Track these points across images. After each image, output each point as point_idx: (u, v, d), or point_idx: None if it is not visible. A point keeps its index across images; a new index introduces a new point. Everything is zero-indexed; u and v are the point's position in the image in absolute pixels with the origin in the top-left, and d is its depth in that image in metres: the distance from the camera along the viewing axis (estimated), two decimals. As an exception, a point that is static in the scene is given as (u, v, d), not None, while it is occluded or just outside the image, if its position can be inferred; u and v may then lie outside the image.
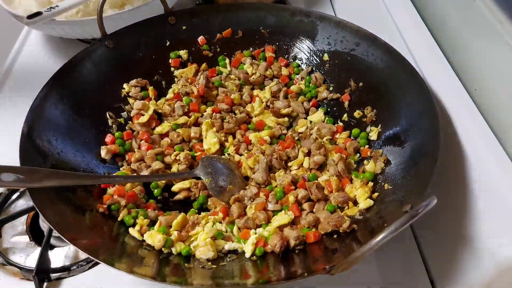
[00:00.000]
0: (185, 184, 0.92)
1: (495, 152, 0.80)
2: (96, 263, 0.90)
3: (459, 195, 0.84)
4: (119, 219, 0.84)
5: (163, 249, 0.79)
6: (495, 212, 0.77)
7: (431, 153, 0.79)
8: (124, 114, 1.06)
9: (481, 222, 0.79)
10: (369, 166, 0.90)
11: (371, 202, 0.84)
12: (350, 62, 1.05)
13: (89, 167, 0.92)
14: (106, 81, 1.05)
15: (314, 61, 1.11)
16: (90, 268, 0.89)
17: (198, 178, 0.94)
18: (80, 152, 0.93)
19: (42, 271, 0.86)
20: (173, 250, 0.80)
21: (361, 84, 1.03)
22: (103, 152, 0.95)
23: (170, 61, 1.14)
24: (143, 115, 1.05)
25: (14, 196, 1.01)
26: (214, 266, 0.77)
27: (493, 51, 0.89)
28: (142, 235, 0.81)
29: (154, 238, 0.79)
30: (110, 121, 1.03)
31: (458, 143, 0.86)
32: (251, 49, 1.16)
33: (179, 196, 0.93)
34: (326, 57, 1.09)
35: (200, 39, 1.15)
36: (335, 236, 0.80)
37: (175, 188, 0.93)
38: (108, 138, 0.99)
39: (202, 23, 1.15)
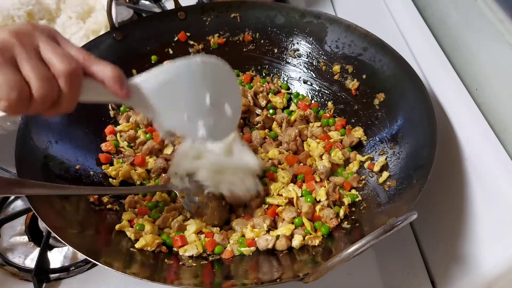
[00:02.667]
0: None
1: (496, 151, 0.80)
2: (95, 264, 0.89)
3: (460, 195, 0.84)
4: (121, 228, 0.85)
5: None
6: (496, 212, 0.77)
7: (424, 167, 0.79)
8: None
9: (482, 222, 0.79)
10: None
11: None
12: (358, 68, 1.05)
13: (86, 161, 0.94)
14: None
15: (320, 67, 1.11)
16: (89, 269, 0.89)
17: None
18: (78, 145, 0.94)
19: (41, 272, 0.86)
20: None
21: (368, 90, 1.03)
22: (102, 158, 0.97)
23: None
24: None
25: (13, 197, 1.00)
26: (194, 265, 0.78)
27: (494, 50, 0.88)
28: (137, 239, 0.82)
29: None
30: (112, 113, 1.04)
31: (459, 143, 0.85)
32: (265, 75, 1.17)
33: None
34: (337, 69, 1.08)
35: (209, 37, 1.16)
36: (318, 245, 0.81)
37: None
38: (108, 129, 1.01)
39: (212, 20, 1.15)
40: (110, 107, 1.04)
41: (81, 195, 0.85)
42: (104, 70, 0.61)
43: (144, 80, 0.65)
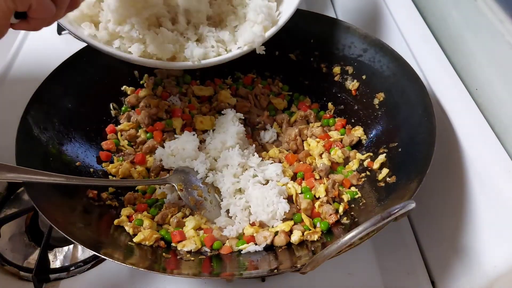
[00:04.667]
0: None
1: (496, 151, 0.80)
2: (95, 264, 0.89)
3: (460, 195, 0.83)
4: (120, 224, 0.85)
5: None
6: (497, 212, 0.76)
7: (423, 163, 0.79)
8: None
9: (483, 222, 0.79)
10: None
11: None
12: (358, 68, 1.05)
13: (86, 158, 0.94)
14: (115, 71, 1.05)
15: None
16: (89, 269, 0.89)
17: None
18: (78, 143, 0.95)
19: (41, 272, 0.86)
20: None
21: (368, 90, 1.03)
22: (103, 156, 0.97)
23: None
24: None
25: (13, 196, 1.01)
26: (192, 259, 0.78)
27: (493, 50, 0.88)
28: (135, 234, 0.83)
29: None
30: (113, 112, 1.04)
31: (459, 143, 0.85)
32: (266, 76, 1.17)
33: None
34: (337, 70, 1.08)
35: None
36: (317, 240, 0.81)
37: None
38: (109, 128, 1.01)
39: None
40: (111, 106, 1.04)
41: (80, 188, 0.86)
42: None
43: None
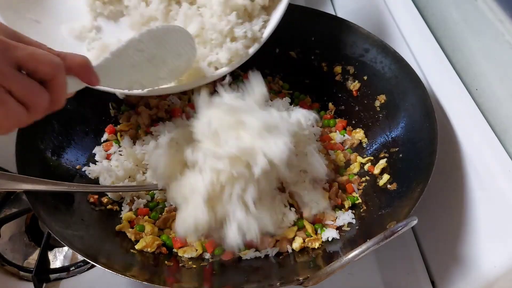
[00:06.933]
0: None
1: (496, 151, 0.80)
2: (95, 264, 0.89)
3: (460, 195, 0.84)
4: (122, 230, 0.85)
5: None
6: (497, 213, 0.77)
7: (425, 171, 0.79)
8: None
9: (482, 222, 0.79)
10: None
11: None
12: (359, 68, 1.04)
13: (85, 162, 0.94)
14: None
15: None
16: (89, 269, 0.89)
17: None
18: (78, 144, 0.94)
19: (41, 272, 0.86)
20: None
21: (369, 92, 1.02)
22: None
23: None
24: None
25: (13, 196, 1.00)
26: (194, 266, 0.78)
27: (494, 50, 0.88)
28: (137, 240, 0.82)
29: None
30: (112, 112, 1.03)
31: (459, 143, 0.85)
32: (266, 74, 1.15)
33: None
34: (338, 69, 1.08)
35: None
36: (317, 248, 0.82)
37: None
38: (108, 128, 1.00)
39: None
40: (110, 106, 1.03)
41: (81, 194, 0.86)
42: (75, 60, 0.59)
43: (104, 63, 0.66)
